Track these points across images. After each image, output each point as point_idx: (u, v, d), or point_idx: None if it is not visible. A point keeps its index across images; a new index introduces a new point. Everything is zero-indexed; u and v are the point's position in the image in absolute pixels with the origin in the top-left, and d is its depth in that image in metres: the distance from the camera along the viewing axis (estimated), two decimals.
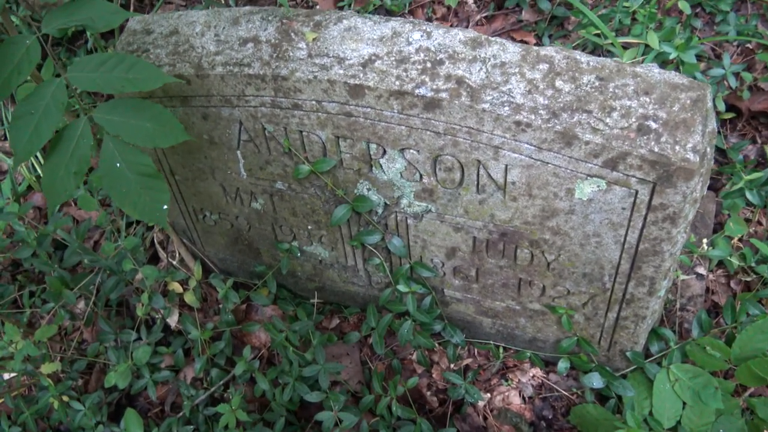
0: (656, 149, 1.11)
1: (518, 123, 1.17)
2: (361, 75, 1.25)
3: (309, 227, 1.60)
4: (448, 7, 2.75)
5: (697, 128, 1.11)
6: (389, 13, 2.73)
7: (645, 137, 1.12)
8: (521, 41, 2.57)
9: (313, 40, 1.33)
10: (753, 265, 1.76)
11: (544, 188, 1.24)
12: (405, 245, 1.50)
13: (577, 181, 1.20)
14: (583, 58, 1.22)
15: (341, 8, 2.79)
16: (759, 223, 1.89)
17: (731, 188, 1.88)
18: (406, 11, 2.77)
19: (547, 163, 1.20)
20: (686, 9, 2.37)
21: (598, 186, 1.19)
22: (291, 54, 1.32)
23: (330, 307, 1.85)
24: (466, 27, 2.71)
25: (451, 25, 2.74)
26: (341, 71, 1.27)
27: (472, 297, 1.58)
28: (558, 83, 1.19)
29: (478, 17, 2.74)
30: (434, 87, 1.21)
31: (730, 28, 2.31)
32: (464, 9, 2.78)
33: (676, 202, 1.16)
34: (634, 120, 1.14)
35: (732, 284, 1.78)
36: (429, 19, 2.74)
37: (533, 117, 1.16)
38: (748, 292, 1.74)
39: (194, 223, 1.78)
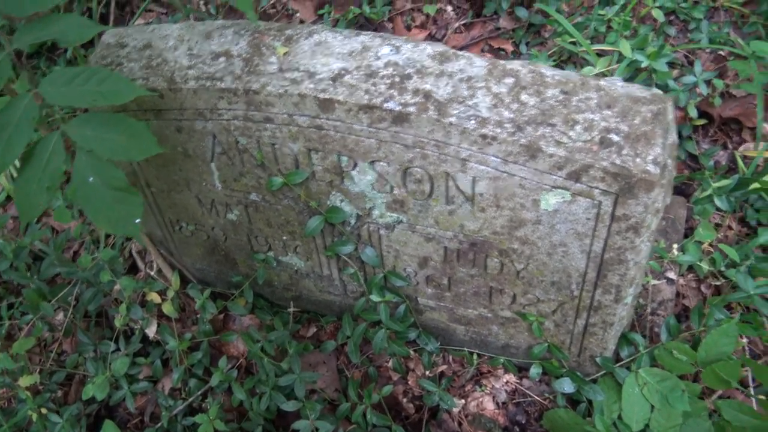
0: (618, 162, 1.14)
1: (484, 136, 1.19)
2: (331, 89, 1.27)
3: (284, 238, 1.62)
4: (427, 15, 2.78)
5: (657, 141, 1.14)
6: (368, 21, 2.75)
7: (607, 150, 1.15)
8: (499, 48, 2.61)
9: (284, 54, 1.35)
10: (722, 269, 1.79)
11: (511, 199, 1.26)
12: (378, 255, 1.52)
13: (543, 192, 1.23)
14: (548, 71, 1.25)
15: (321, 15, 2.81)
16: (729, 227, 1.93)
17: (701, 194, 1.92)
18: (386, 19, 2.79)
19: (513, 175, 1.22)
20: (660, 17, 2.41)
21: (563, 197, 1.22)
22: (262, 68, 1.34)
23: (307, 315, 1.87)
24: (445, 35, 2.74)
25: (430, 33, 2.77)
26: (311, 85, 1.29)
27: (445, 305, 1.60)
28: (523, 97, 1.21)
29: (457, 24, 2.77)
30: (402, 101, 1.23)
31: (702, 35, 2.35)
32: (443, 17, 2.81)
33: (638, 212, 1.18)
34: (596, 133, 1.16)
35: (702, 288, 1.82)
36: (408, 27, 2.77)
37: (499, 130, 1.19)
38: (718, 295, 1.78)
39: (171, 234, 1.79)
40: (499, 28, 2.66)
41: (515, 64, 1.26)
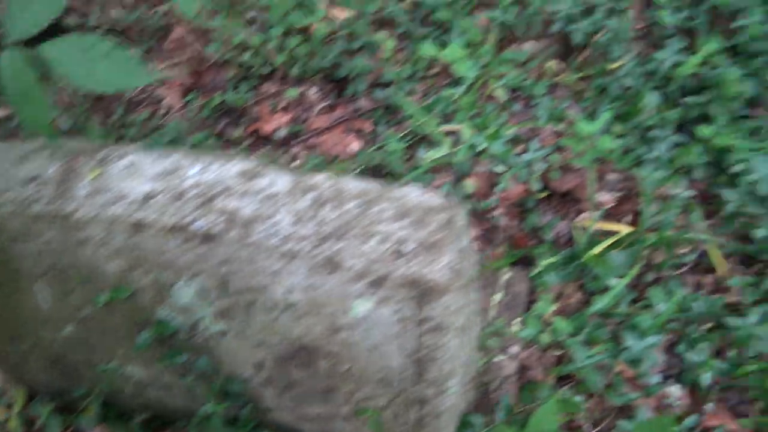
0: (412, 270, 1.20)
1: (288, 252, 1.24)
2: (141, 211, 1.30)
3: (121, 350, 1.60)
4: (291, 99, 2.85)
5: (449, 248, 1.22)
6: (232, 109, 2.80)
7: (402, 259, 1.21)
8: (358, 130, 2.70)
9: (96, 176, 1.37)
10: (562, 339, 1.89)
11: (324, 307, 1.31)
12: (213, 363, 1.52)
13: (351, 300, 1.28)
14: (349, 184, 1.31)
15: (188, 102, 2.84)
16: (568, 297, 2.04)
17: (540, 267, 2.03)
18: (251, 103, 2.84)
19: (321, 285, 1.27)
20: (503, 96, 2.57)
21: (370, 304, 1.27)
22: (74, 192, 1.35)
23: (159, 421, 1.84)
24: (309, 116, 2.81)
25: (294, 116, 2.84)
26: (122, 208, 1.31)
27: (287, 404, 1.61)
28: (324, 211, 1.27)
29: (321, 106, 2.85)
30: (209, 221, 1.27)
31: (543, 112, 2.51)
32: (307, 99, 2.89)
33: (438, 314, 1.25)
34: (391, 244, 1.23)
35: (544, 360, 1.90)
36: (274, 110, 2.83)
37: (301, 246, 1.23)
38: (558, 365, 1.87)
39: (12, 350, 1.74)
40: (359, 109, 2.76)
41: (318, 179, 1.32)
